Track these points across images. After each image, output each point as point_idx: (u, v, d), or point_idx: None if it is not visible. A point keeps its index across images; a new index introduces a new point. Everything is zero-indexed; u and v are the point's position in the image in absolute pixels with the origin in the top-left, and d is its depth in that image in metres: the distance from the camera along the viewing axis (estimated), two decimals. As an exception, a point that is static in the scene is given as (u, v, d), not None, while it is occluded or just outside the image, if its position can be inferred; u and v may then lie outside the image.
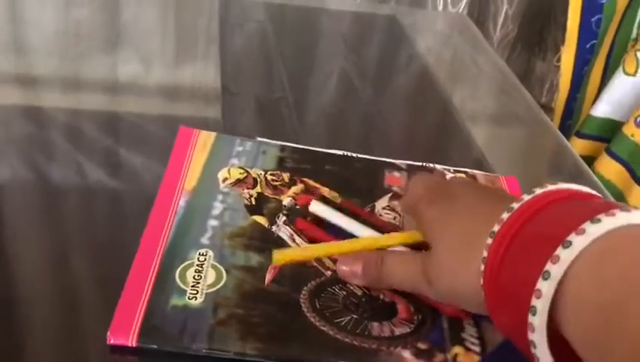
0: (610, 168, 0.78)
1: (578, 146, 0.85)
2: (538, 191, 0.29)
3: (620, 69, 0.81)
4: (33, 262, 0.36)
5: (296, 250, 0.36)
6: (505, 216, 0.29)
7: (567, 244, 0.25)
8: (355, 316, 0.33)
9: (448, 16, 1.00)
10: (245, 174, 0.41)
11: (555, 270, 0.25)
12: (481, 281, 0.29)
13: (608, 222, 0.25)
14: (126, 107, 0.52)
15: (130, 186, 0.43)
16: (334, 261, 0.36)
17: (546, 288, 0.25)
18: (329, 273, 0.35)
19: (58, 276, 0.35)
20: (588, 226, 0.25)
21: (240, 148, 0.43)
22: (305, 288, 0.34)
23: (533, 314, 0.26)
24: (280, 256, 0.35)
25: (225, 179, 0.40)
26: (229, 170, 0.41)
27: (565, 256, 0.25)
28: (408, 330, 0.33)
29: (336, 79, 0.62)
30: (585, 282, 0.25)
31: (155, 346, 0.30)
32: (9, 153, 0.43)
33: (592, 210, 0.26)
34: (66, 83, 0.54)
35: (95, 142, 0.46)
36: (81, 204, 0.41)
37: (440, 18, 0.91)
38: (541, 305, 0.25)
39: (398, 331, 0.33)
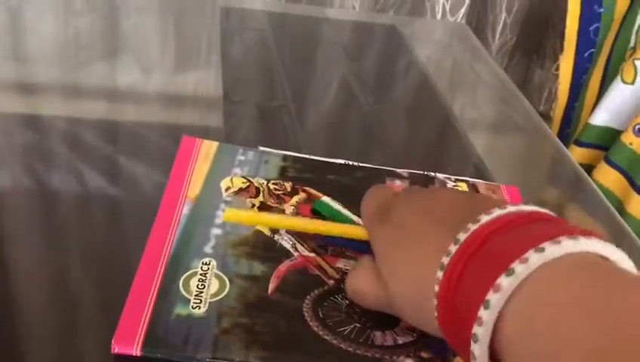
0: (609, 176, 0.79)
1: (577, 155, 0.85)
2: (484, 218, 0.28)
3: (619, 77, 0.82)
4: (35, 271, 0.36)
5: (248, 213, 0.38)
6: (452, 248, 0.28)
7: (510, 272, 0.25)
8: (357, 325, 0.33)
9: (447, 25, 1.00)
10: (248, 183, 0.41)
11: (496, 298, 0.25)
12: (435, 313, 0.28)
13: (550, 252, 0.25)
14: (127, 115, 0.52)
15: (132, 195, 0.43)
16: (337, 271, 0.36)
17: (486, 316, 0.25)
18: (332, 282, 0.35)
19: (61, 285, 0.35)
20: (531, 255, 0.25)
21: (242, 158, 0.43)
22: (308, 297, 0.34)
23: (475, 342, 0.25)
24: (230, 214, 0.37)
25: (227, 188, 0.40)
26: (231, 180, 0.41)
27: (506, 284, 0.25)
28: (411, 339, 0.33)
29: (336, 88, 0.62)
30: (518, 328, 0.25)
31: (159, 355, 0.30)
32: (9, 161, 0.43)
33: (535, 236, 0.26)
34: (66, 91, 0.55)
35: (96, 150, 0.46)
36: (83, 213, 0.41)
37: (439, 27, 0.91)
38: (488, 315, 0.25)
39: (401, 340, 0.33)
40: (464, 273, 0.27)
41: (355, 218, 0.39)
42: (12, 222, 0.40)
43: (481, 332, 0.25)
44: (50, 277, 0.36)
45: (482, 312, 0.25)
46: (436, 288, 0.28)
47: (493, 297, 0.25)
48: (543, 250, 0.25)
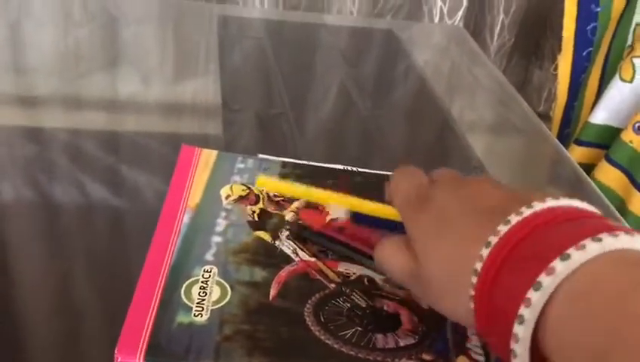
0: (609, 175, 0.79)
1: (577, 154, 0.85)
2: (525, 211, 0.28)
3: (617, 75, 0.82)
4: (38, 281, 0.36)
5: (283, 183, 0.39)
6: (492, 239, 0.28)
7: (565, 257, 0.25)
8: (359, 328, 0.33)
9: (445, 28, 1.01)
10: (247, 191, 0.41)
11: (548, 282, 0.25)
12: (472, 305, 0.28)
13: (594, 248, 0.25)
14: (126, 125, 0.53)
15: (133, 204, 0.43)
16: (338, 274, 0.36)
17: (536, 298, 0.25)
18: (333, 286, 0.36)
19: (63, 295, 0.36)
20: (589, 243, 0.25)
21: (242, 166, 0.44)
22: (309, 301, 0.34)
23: (520, 323, 0.25)
24: (264, 180, 0.39)
25: (227, 196, 0.41)
26: (231, 187, 0.41)
27: (561, 268, 0.25)
28: (413, 341, 0.33)
29: (335, 94, 0.62)
30: (569, 311, 0.25)
31: (162, 364, 0.30)
32: (12, 173, 0.44)
33: (586, 230, 0.26)
34: (66, 103, 0.55)
35: (97, 161, 0.46)
36: (83, 223, 0.41)
37: (436, 31, 0.92)
38: (529, 314, 0.25)
39: (402, 342, 0.33)
40: (505, 263, 0.27)
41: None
42: (15, 233, 0.40)
43: (528, 313, 0.25)
44: (53, 288, 0.36)
45: (531, 293, 0.25)
46: (474, 279, 0.28)
47: (545, 279, 0.25)
48: (600, 240, 0.25)
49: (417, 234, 0.32)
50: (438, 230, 0.31)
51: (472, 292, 0.28)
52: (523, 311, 0.25)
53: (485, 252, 0.28)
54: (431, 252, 0.31)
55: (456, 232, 0.31)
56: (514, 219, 0.28)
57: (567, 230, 0.27)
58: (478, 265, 0.28)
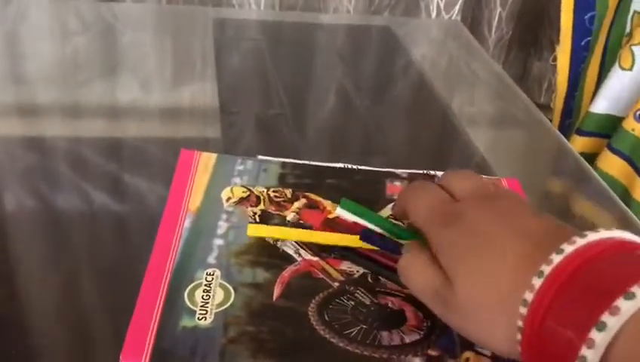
0: (612, 164, 0.78)
1: (579, 144, 0.85)
2: (579, 241, 0.27)
3: (616, 64, 0.81)
4: (42, 289, 0.36)
5: (272, 229, 0.38)
6: (545, 268, 0.26)
7: (630, 296, 0.24)
8: (364, 326, 0.33)
9: (441, 23, 1.00)
10: (248, 193, 0.41)
11: (613, 322, 0.24)
12: (519, 336, 0.27)
13: None
14: (125, 132, 0.53)
15: (135, 210, 0.43)
16: (341, 273, 0.36)
17: (600, 338, 0.24)
18: (336, 284, 0.35)
19: (67, 302, 0.36)
20: None
21: (241, 168, 0.44)
22: (313, 301, 0.34)
23: None
24: (255, 229, 0.38)
25: (228, 199, 0.41)
26: (231, 190, 0.41)
27: (626, 307, 0.24)
28: (418, 337, 0.33)
29: (333, 93, 0.62)
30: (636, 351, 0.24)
31: (168, 368, 0.30)
32: (14, 183, 0.44)
33: None
34: (66, 111, 0.55)
35: (98, 168, 0.46)
36: (87, 230, 0.41)
37: (433, 26, 0.91)
38: (592, 355, 0.24)
39: (408, 339, 0.33)
40: (560, 297, 0.26)
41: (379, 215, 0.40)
42: (18, 242, 0.40)
43: (592, 354, 0.24)
44: (57, 295, 0.36)
45: (594, 334, 0.24)
46: (523, 310, 0.27)
47: (609, 320, 0.24)
48: None
49: (447, 251, 0.31)
50: (473, 247, 0.30)
51: (521, 324, 0.27)
52: (585, 351, 0.24)
53: (538, 282, 0.27)
54: (466, 272, 0.29)
55: (498, 254, 0.29)
56: (567, 248, 0.27)
57: (626, 265, 0.26)
58: (529, 296, 0.27)
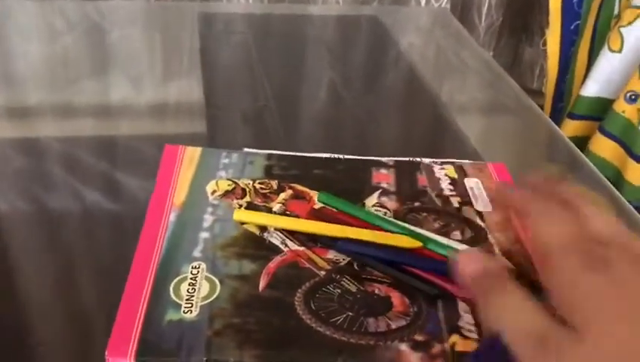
0: (604, 146, 0.78)
1: (571, 127, 0.85)
2: None
3: (606, 46, 0.81)
4: (35, 287, 0.36)
5: (258, 214, 0.39)
6: None
7: None
8: (350, 313, 0.33)
9: (430, 11, 1.00)
10: (233, 185, 0.41)
11: None
12: None
13: None
14: (115, 130, 0.53)
15: (125, 207, 0.43)
16: (328, 262, 0.36)
17: None
18: (323, 273, 0.35)
19: (60, 300, 0.36)
20: None
21: (226, 161, 0.44)
22: (299, 290, 0.34)
23: None
24: (241, 214, 0.38)
25: (213, 192, 0.41)
26: (217, 183, 0.41)
27: None
28: (404, 323, 0.33)
29: (321, 84, 0.62)
30: None
31: (154, 362, 0.30)
32: (6, 184, 0.44)
33: None
34: (56, 111, 0.55)
35: (89, 167, 0.46)
36: (79, 229, 0.42)
37: (422, 14, 0.91)
38: None
39: (394, 325, 0.33)
40: None
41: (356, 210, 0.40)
42: (12, 242, 0.40)
43: None
44: (48, 292, 0.36)
45: None
46: None
47: None
48: None
49: (583, 297, 0.26)
50: (621, 303, 0.26)
51: None
52: None
53: None
54: (609, 325, 0.25)
55: None
56: None
57: None
58: None
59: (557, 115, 0.92)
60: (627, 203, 0.49)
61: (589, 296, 0.26)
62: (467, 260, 0.31)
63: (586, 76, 0.85)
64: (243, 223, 0.38)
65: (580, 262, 0.27)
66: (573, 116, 0.85)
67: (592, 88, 0.83)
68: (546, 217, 0.30)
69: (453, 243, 0.38)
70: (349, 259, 0.37)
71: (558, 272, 0.28)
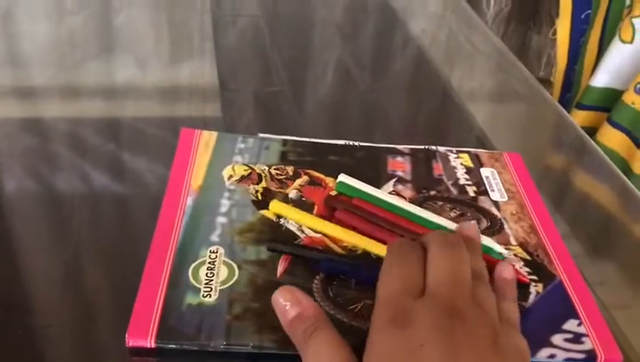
0: (612, 137, 0.78)
1: (579, 118, 0.85)
2: None
3: (617, 37, 0.81)
4: (47, 271, 0.36)
5: (295, 210, 0.38)
6: None
7: None
8: (368, 301, 0.33)
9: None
10: (249, 170, 0.41)
11: None
12: None
13: None
14: (125, 111, 0.52)
15: (136, 190, 0.43)
16: (343, 248, 0.36)
17: None
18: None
19: (71, 283, 0.36)
20: None
21: (242, 146, 0.43)
22: (317, 277, 0.34)
23: None
24: (277, 206, 0.38)
25: (230, 177, 0.41)
26: (233, 168, 0.41)
27: None
28: (422, 312, 0.33)
29: (333, 69, 0.62)
30: None
31: (174, 345, 0.30)
32: (13, 165, 0.44)
33: None
34: (64, 92, 0.55)
35: (98, 148, 0.46)
36: (88, 211, 0.41)
37: (432, -1, 0.90)
38: None
39: (411, 313, 0.33)
40: None
41: (377, 192, 0.40)
42: (21, 225, 0.40)
43: None
44: (61, 277, 0.36)
45: None
46: None
47: None
48: None
49: (377, 354, 0.27)
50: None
51: None
52: None
53: None
54: None
55: None
56: None
57: None
58: None
59: (565, 105, 0.92)
60: (637, 191, 0.49)
61: (381, 352, 0.27)
62: (282, 299, 0.31)
63: (595, 66, 0.85)
64: (280, 216, 0.38)
65: (387, 317, 0.28)
66: (581, 106, 0.85)
67: (602, 79, 0.82)
68: (388, 264, 0.31)
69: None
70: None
71: (371, 322, 0.29)
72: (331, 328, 0.29)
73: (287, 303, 0.30)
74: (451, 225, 0.37)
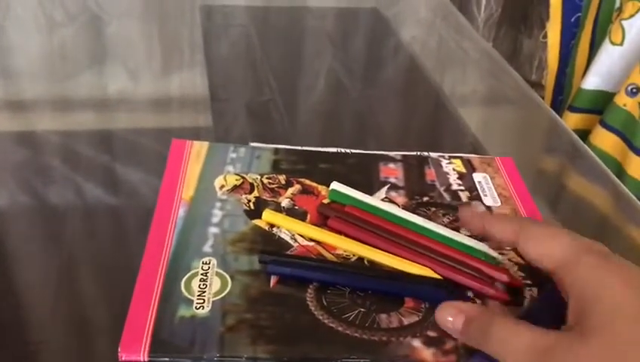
0: (605, 140, 0.78)
1: (572, 121, 0.85)
2: None
3: (607, 39, 0.81)
4: (39, 285, 0.36)
5: (288, 219, 0.37)
6: None
7: None
8: (362, 309, 0.33)
9: (430, 2, 1.00)
10: (241, 180, 0.41)
11: None
12: None
13: None
14: (116, 123, 0.52)
15: (129, 201, 0.43)
16: (337, 256, 0.36)
17: None
18: (333, 270, 0.35)
19: (63, 296, 0.35)
20: None
21: (234, 155, 0.43)
22: (310, 286, 0.34)
23: None
24: (270, 215, 0.37)
25: (222, 187, 0.40)
26: (224, 177, 0.41)
27: None
28: (417, 319, 0.33)
29: (324, 77, 0.62)
30: None
31: (167, 359, 0.30)
32: (6, 179, 0.43)
33: None
34: (56, 105, 0.54)
35: (90, 161, 0.46)
36: (83, 224, 0.41)
37: (422, 6, 0.90)
38: None
39: (406, 321, 0.33)
40: None
41: (370, 199, 0.39)
42: (13, 237, 0.40)
43: None
44: (52, 289, 0.36)
45: None
46: None
47: None
48: None
49: (598, 303, 0.27)
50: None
51: None
52: None
53: None
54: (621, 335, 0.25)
55: None
56: None
57: None
58: None
59: (557, 108, 0.92)
60: (630, 193, 0.49)
61: (604, 296, 0.26)
62: (446, 315, 0.31)
63: (586, 69, 0.85)
64: (272, 225, 0.38)
65: (592, 262, 0.28)
66: (573, 109, 0.85)
67: (593, 81, 0.82)
68: (540, 237, 0.31)
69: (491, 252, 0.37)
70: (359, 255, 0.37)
71: (578, 275, 0.28)
72: (502, 315, 0.30)
73: (450, 318, 0.31)
74: (448, 233, 0.37)
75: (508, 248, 0.38)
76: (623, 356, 0.25)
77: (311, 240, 0.37)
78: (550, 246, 0.31)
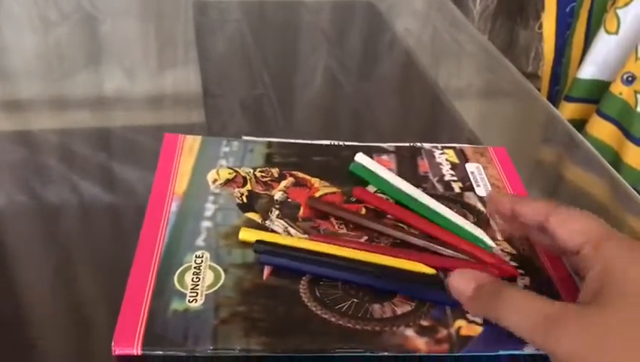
0: (602, 129, 0.78)
1: (568, 110, 0.85)
2: None
3: (602, 28, 0.81)
4: (36, 282, 0.36)
5: (266, 233, 0.36)
6: None
7: None
8: (355, 300, 0.33)
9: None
10: (234, 174, 0.41)
11: None
12: None
13: None
14: (112, 121, 0.52)
15: (125, 199, 0.43)
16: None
17: None
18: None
19: (62, 294, 0.36)
20: None
21: (227, 149, 0.43)
22: (303, 278, 0.34)
23: None
24: (246, 234, 0.36)
25: (214, 181, 0.40)
26: (217, 171, 0.41)
27: None
28: (410, 308, 0.33)
29: (318, 71, 0.62)
30: None
31: (160, 352, 0.30)
32: (2, 178, 0.44)
33: None
34: (52, 104, 0.54)
35: (87, 159, 0.46)
36: (79, 222, 0.41)
37: (417, -2, 0.90)
38: None
39: (399, 310, 0.33)
40: None
41: (392, 177, 0.41)
42: (10, 236, 0.40)
43: None
44: (48, 286, 0.36)
45: None
46: None
47: None
48: None
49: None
50: None
51: None
52: None
53: None
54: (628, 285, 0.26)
55: None
56: None
57: None
58: None
59: (553, 98, 0.92)
60: (625, 183, 0.49)
61: (630, 270, 0.27)
62: (459, 280, 0.32)
63: (582, 59, 0.85)
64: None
65: (626, 240, 0.29)
66: (569, 99, 0.85)
67: (589, 70, 0.82)
68: (572, 215, 0.32)
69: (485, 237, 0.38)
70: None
71: (608, 249, 0.29)
72: (514, 287, 0.30)
73: (460, 284, 0.32)
74: (464, 223, 0.38)
75: (500, 239, 0.38)
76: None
77: (304, 232, 0.37)
78: (582, 224, 0.31)
